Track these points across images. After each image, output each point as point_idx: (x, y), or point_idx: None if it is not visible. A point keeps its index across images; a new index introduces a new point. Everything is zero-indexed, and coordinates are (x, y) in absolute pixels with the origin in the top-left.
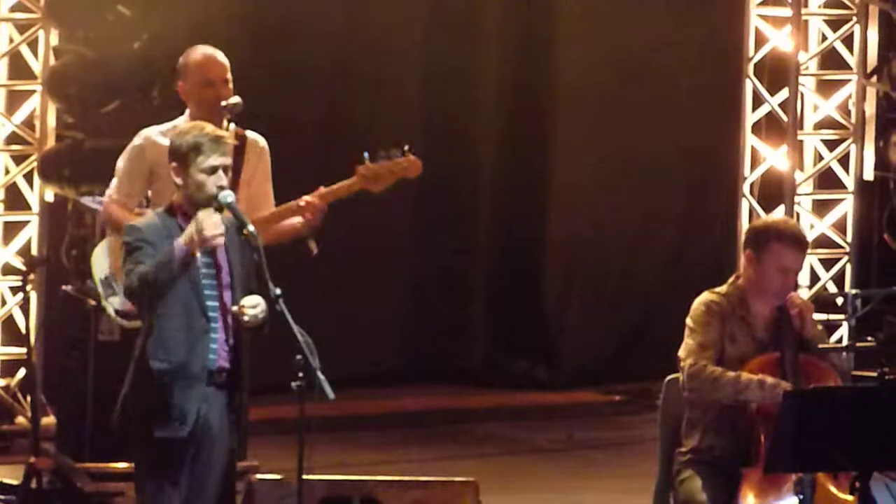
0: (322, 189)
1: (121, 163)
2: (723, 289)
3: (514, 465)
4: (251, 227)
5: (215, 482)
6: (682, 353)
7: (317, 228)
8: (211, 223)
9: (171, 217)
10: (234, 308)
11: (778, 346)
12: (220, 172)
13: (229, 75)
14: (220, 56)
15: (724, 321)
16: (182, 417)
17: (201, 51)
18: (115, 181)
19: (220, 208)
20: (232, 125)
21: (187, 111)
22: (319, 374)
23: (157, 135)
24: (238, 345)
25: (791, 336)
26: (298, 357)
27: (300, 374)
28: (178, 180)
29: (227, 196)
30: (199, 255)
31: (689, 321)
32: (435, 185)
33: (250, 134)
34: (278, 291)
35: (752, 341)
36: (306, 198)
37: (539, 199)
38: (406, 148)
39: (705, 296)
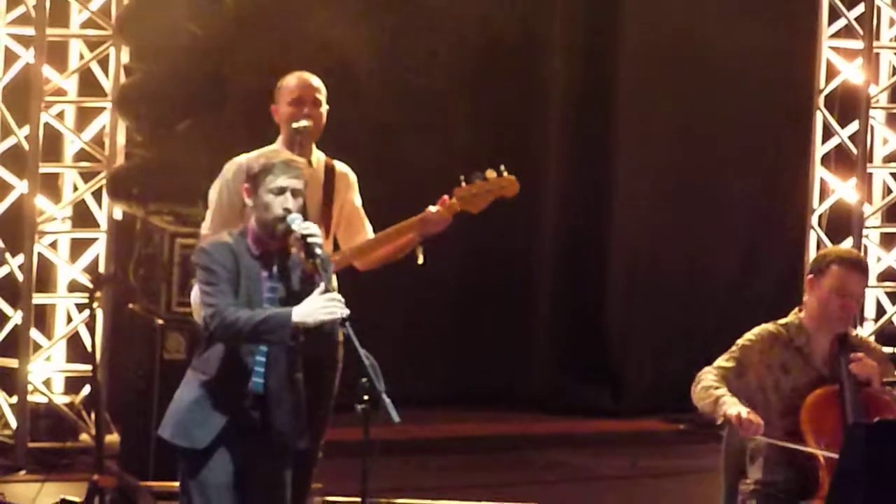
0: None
1: (213, 194)
2: (784, 319)
3: (576, 493)
4: (319, 251)
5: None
6: None
7: (428, 240)
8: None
9: (241, 241)
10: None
11: (837, 377)
12: (288, 194)
13: (321, 97)
14: (314, 79)
15: (773, 352)
16: (201, 430)
17: (295, 73)
18: (208, 214)
19: (287, 230)
20: (322, 155)
21: (279, 138)
22: (385, 396)
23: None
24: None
25: (850, 368)
26: (364, 380)
27: (365, 397)
28: (249, 202)
29: (295, 219)
30: (265, 277)
31: (737, 341)
32: (496, 206)
33: (338, 165)
34: (342, 312)
35: (811, 372)
36: (432, 208)
37: (602, 226)
38: (502, 168)
39: (763, 325)
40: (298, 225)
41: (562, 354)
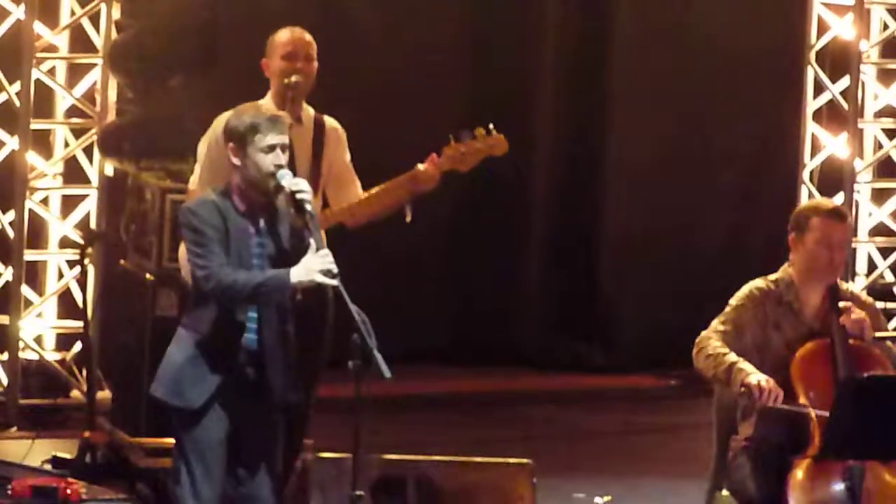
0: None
1: (202, 149)
2: (774, 275)
3: (569, 448)
4: (308, 207)
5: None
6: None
7: (417, 197)
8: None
9: (226, 198)
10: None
11: (828, 332)
12: (278, 151)
13: (313, 52)
14: (307, 35)
15: (765, 308)
16: (196, 389)
17: (287, 28)
18: (197, 168)
19: (277, 187)
20: (311, 110)
21: (269, 92)
22: (376, 353)
23: None
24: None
25: (841, 322)
26: (355, 336)
27: (357, 354)
28: (236, 161)
29: (285, 175)
30: (252, 234)
31: (730, 300)
32: (487, 165)
33: (328, 119)
34: (335, 270)
35: (801, 327)
36: (420, 167)
37: (595, 182)
38: (491, 126)
39: (753, 282)
40: (288, 181)
41: (554, 310)
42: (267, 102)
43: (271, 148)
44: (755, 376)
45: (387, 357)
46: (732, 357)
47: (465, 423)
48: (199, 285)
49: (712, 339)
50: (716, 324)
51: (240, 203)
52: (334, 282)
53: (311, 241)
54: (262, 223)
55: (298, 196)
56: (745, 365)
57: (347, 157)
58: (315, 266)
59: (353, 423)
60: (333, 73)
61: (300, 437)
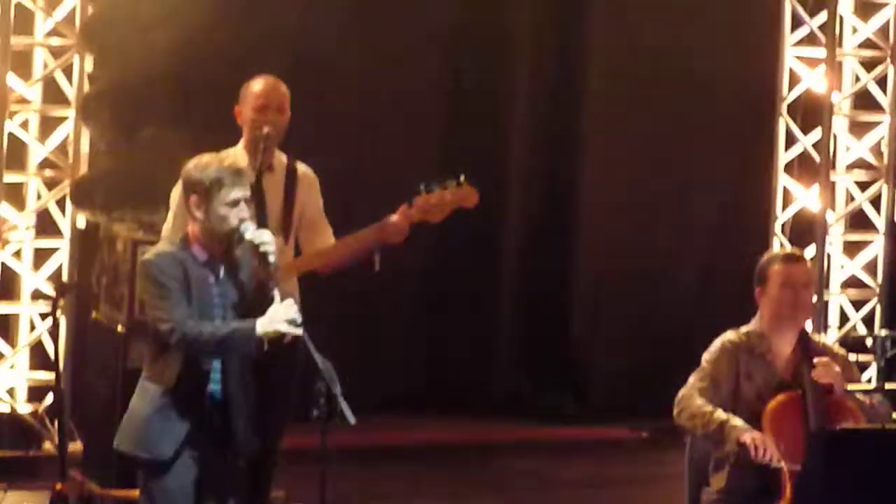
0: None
1: (174, 196)
2: (745, 328)
3: (539, 500)
4: (272, 258)
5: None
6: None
7: (387, 247)
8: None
9: (184, 249)
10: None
11: (800, 383)
12: (242, 204)
13: (286, 103)
14: (281, 85)
15: (737, 359)
16: (164, 440)
17: (262, 77)
18: (169, 216)
19: (240, 239)
20: (284, 157)
21: (241, 140)
22: (341, 399)
23: None
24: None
25: (813, 375)
26: (319, 384)
27: (321, 402)
28: (199, 213)
29: (248, 228)
30: (212, 283)
31: (703, 356)
32: (460, 212)
33: (300, 166)
34: (300, 319)
35: (773, 378)
36: (391, 218)
37: (567, 232)
38: (461, 178)
39: (724, 334)
40: (252, 233)
41: (525, 360)
42: (239, 150)
43: (235, 203)
44: (749, 434)
45: (354, 406)
46: (721, 415)
47: (434, 474)
48: (164, 338)
49: (694, 398)
50: (693, 381)
51: (200, 253)
52: (298, 331)
53: (276, 291)
54: (221, 272)
55: (262, 248)
56: (737, 421)
57: (320, 203)
58: (280, 316)
59: (320, 473)
60: (310, 118)
61: (267, 485)
